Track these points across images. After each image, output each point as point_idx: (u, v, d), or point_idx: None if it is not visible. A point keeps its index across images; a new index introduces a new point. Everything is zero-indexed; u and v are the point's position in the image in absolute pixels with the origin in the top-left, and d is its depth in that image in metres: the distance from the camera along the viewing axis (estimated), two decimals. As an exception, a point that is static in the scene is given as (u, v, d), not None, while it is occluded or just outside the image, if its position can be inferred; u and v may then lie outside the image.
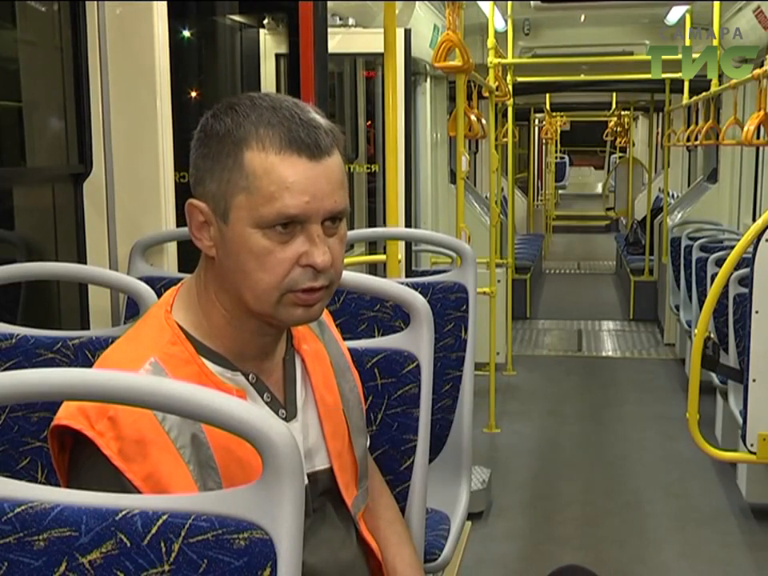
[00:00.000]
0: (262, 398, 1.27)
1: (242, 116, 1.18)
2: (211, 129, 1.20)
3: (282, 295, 1.20)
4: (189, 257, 2.58)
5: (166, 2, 2.51)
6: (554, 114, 14.86)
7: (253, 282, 1.20)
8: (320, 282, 1.21)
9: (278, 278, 1.19)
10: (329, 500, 1.35)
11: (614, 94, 12.42)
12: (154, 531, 0.92)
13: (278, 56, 4.29)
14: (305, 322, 1.29)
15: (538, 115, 14.65)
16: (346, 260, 2.44)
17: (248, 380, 1.25)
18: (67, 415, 1.10)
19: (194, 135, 1.23)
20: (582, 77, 8.66)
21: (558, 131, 17.41)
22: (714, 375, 4.31)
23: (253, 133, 1.16)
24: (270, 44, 4.29)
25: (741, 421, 3.11)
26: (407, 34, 4.40)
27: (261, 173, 1.16)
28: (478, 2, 5.90)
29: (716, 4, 6.05)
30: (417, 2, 5.49)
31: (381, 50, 3.12)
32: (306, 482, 1.27)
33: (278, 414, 1.27)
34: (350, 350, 1.52)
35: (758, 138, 4.74)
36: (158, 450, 1.09)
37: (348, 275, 1.74)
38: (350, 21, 4.69)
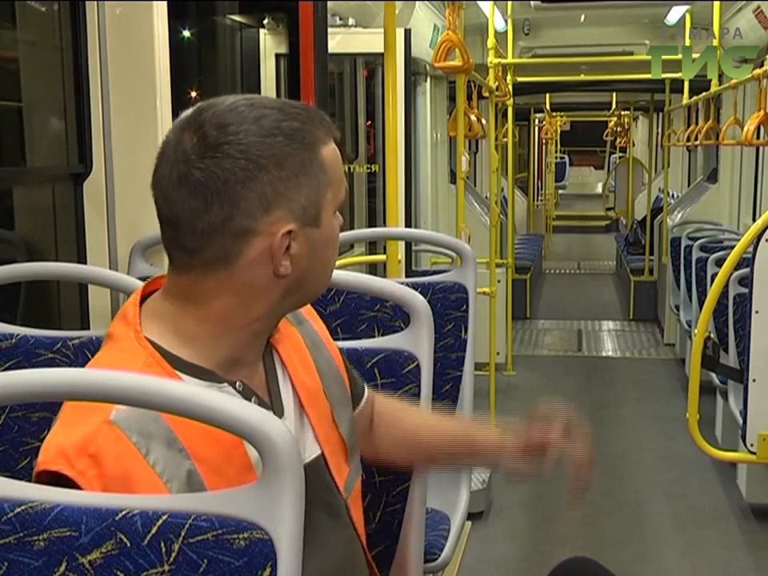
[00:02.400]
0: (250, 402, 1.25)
1: (295, 122, 1.18)
2: (269, 154, 1.14)
3: None
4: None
5: (165, 2, 2.50)
6: (553, 114, 14.86)
7: (330, 267, 1.26)
8: None
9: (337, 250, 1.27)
10: (326, 487, 1.34)
11: (614, 94, 12.42)
12: (153, 531, 0.92)
13: (277, 56, 4.29)
14: None
15: (538, 115, 14.65)
16: (346, 260, 2.45)
17: (236, 388, 1.22)
18: (45, 460, 1.05)
19: (230, 171, 1.12)
20: (582, 77, 8.66)
21: (558, 131, 17.41)
22: (714, 375, 4.31)
23: (316, 132, 1.20)
24: (270, 44, 4.29)
25: (741, 421, 3.11)
26: (407, 33, 4.40)
27: (333, 162, 1.22)
28: (478, 1, 5.90)
29: (716, 4, 6.04)
30: (417, 2, 5.49)
31: (381, 50, 3.12)
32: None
33: None
34: (349, 350, 1.52)
35: (758, 138, 4.74)
36: (144, 487, 1.05)
37: (348, 275, 1.74)
38: (350, 21, 4.69)
